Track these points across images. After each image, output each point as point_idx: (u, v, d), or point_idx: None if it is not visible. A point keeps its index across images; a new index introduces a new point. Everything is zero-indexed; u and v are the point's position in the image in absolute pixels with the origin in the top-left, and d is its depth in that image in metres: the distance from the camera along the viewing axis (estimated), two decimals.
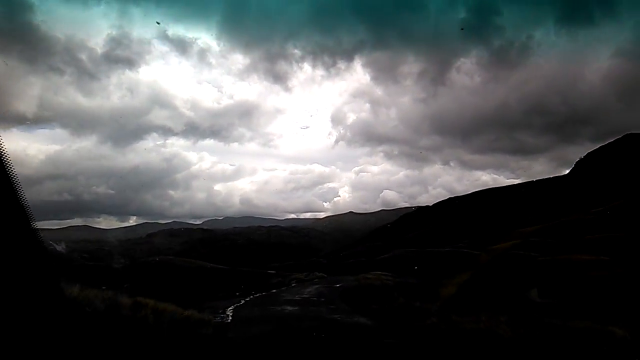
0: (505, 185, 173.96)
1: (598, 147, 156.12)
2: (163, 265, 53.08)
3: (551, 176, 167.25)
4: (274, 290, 29.96)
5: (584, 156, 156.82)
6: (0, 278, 2.52)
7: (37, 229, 2.77)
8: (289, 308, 19.47)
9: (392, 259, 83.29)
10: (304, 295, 24.89)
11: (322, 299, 22.91)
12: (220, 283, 39.45)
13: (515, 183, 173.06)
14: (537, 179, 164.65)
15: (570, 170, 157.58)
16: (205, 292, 31.92)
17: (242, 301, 22.93)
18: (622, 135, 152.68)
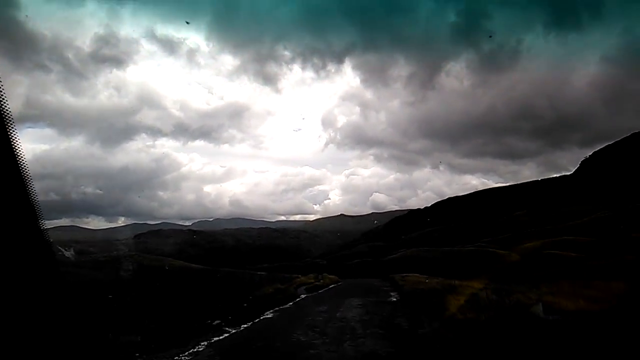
0: (502, 185, 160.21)
1: (604, 146, 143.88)
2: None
3: (556, 175, 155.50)
4: (287, 306, 14.50)
5: (590, 155, 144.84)
6: (8, 282, 2.33)
7: (46, 229, 2.49)
8: None
9: (405, 258, 68.51)
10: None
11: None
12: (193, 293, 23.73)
13: (511, 184, 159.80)
14: (542, 178, 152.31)
15: (576, 170, 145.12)
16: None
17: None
18: (624, 136, 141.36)
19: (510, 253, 64.61)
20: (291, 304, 15.37)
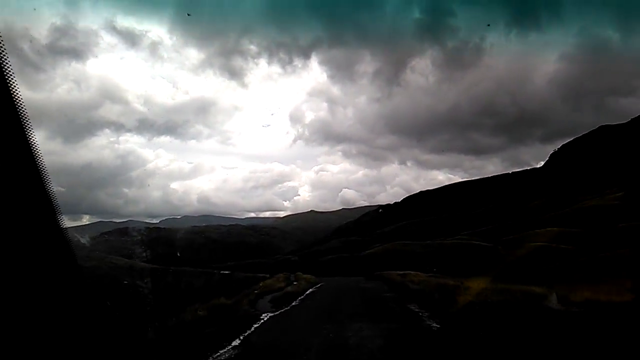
0: (474, 179, 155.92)
1: (572, 139, 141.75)
2: None
3: (527, 168, 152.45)
4: None
5: (558, 148, 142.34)
6: (26, 274, 2.30)
7: (63, 223, 2.50)
8: None
9: (387, 253, 61.03)
10: None
11: None
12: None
13: (482, 177, 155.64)
14: (513, 171, 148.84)
15: (545, 163, 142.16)
16: None
17: None
18: (593, 128, 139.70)
19: (498, 246, 58.37)
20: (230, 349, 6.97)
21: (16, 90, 2.09)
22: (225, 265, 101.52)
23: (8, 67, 2.04)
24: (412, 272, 26.12)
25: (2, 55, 2.03)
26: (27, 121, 2.15)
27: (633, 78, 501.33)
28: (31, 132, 2.20)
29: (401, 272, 26.18)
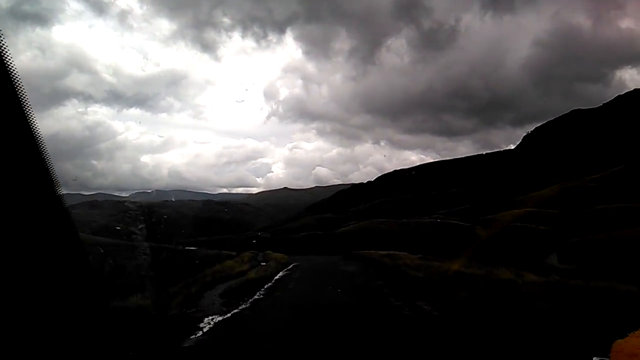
0: (448, 159, 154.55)
1: (545, 122, 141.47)
2: None
3: (501, 149, 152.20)
4: None
5: (531, 131, 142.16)
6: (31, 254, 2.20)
7: (61, 195, 2.42)
8: None
9: (362, 231, 57.76)
10: None
11: None
12: None
13: (457, 158, 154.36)
14: (487, 152, 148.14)
15: (517, 145, 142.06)
16: None
17: None
18: (564, 113, 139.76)
19: (476, 226, 55.97)
20: None
21: (11, 65, 1.98)
22: (196, 240, 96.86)
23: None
24: (399, 252, 22.61)
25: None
26: (25, 102, 2.09)
27: (602, 65, 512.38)
28: (30, 111, 2.13)
29: (385, 253, 22.65)
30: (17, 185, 2.09)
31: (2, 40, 1.95)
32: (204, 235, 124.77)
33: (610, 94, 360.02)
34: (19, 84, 2.02)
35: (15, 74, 1.98)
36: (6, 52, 1.94)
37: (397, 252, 22.81)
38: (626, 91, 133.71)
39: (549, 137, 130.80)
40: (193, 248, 54.25)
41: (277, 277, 14.74)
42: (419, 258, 18.93)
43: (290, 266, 20.08)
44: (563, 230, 52.37)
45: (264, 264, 18.54)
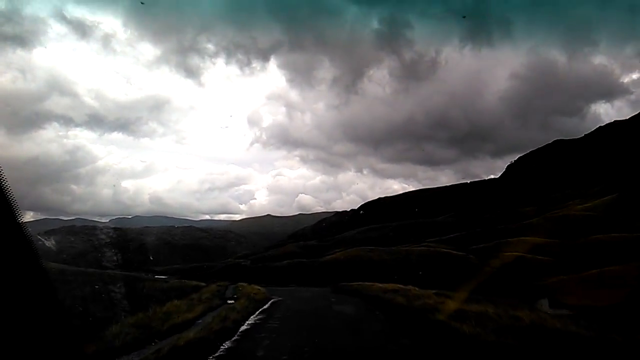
0: (433, 187, 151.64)
1: (528, 152, 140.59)
2: None
3: (485, 178, 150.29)
4: None
5: (515, 161, 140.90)
6: None
7: (23, 222, 2.34)
8: None
9: (350, 260, 52.78)
10: None
11: None
12: None
13: (441, 186, 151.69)
14: (472, 180, 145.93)
15: (502, 174, 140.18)
16: None
17: None
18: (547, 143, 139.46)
19: (470, 255, 51.74)
20: None
21: None
22: (170, 268, 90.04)
23: None
24: (405, 286, 17.92)
25: None
26: None
27: (577, 99, 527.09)
28: None
29: (390, 287, 17.94)
30: None
31: None
32: (185, 262, 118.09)
33: (586, 127, 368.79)
34: None
35: None
36: None
37: (402, 286, 18.15)
38: (607, 122, 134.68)
39: (532, 166, 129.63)
40: (163, 277, 48.33)
41: (243, 327, 9.94)
42: (435, 294, 14.29)
43: (268, 304, 15.25)
44: (563, 261, 48.74)
45: (231, 302, 13.72)
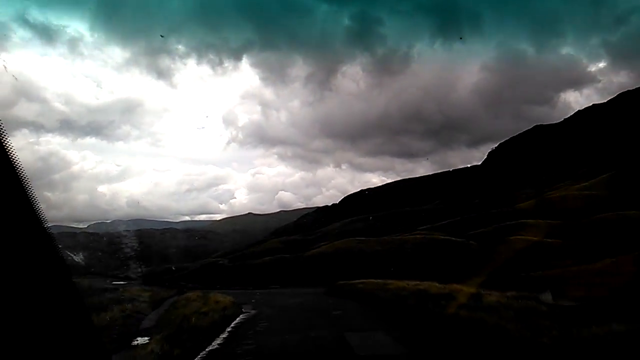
0: (416, 177, 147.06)
1: (509, 138, 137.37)
2: None
3: (467, 165, 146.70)
4: None
5: (495, 147, 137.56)
6: (20, 290, 2.10)
7: (53, 234, 2.30)
8: None
9: (340, 253, 46.40)
10: None
11: None
12: None
13: (425, 175, 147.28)
14: (454, 168, 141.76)
15: (484, 161, 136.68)
16: None
17: None
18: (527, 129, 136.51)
19: (470, 241, 46.13)
20: None
21: None
22: (143, 271, 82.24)
23: None
24: (391, 281, 11.59)
25: None
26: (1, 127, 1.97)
27: (546, 88, 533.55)
28: (7, 138, 2.00)
29: (413, 284, 11.54)
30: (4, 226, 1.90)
31: None
32: (160, 264, 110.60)
33: (557, 116, 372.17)
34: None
35: None
36: None
37: (421, 283, 11.86)
38: (585, 106, 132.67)
39: (513, 152, 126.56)
40: (122, 282, 41.55)
41: None
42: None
43: (220, 339, 8.52)
44: (570, 243, 43.66)
45: (139, 342, 6.88)
